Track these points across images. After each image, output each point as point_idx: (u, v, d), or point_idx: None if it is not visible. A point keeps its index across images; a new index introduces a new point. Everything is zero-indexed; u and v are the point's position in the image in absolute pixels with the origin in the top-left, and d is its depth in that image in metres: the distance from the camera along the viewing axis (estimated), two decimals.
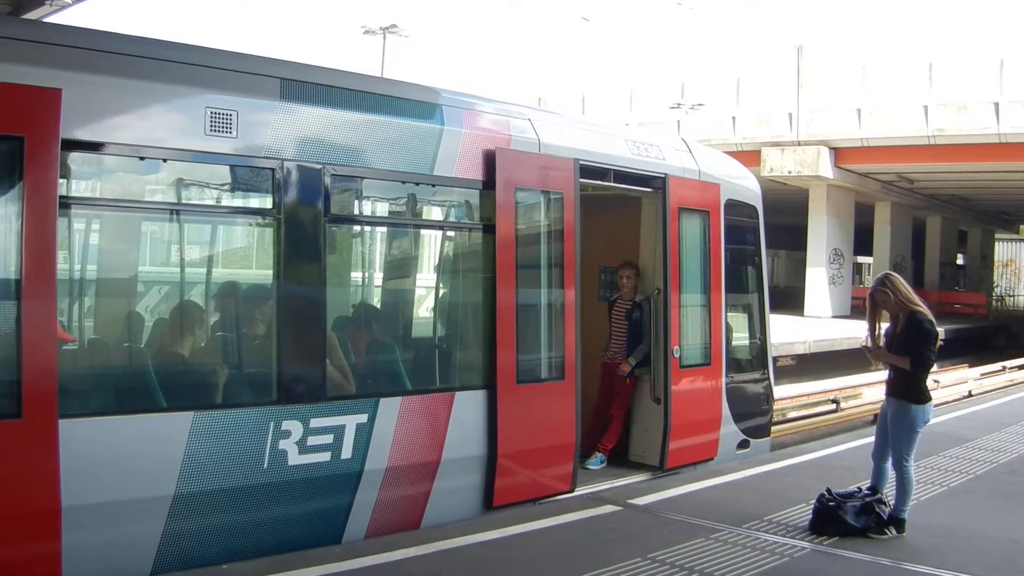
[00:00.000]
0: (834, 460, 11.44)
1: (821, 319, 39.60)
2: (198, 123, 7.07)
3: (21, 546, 6.11)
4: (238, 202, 8.30)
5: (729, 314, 11.46)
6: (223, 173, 7.57)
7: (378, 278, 9.96)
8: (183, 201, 7.62)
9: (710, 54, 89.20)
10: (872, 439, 8.90)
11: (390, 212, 9.56)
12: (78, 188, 7.09)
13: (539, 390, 9.24)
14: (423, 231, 10.00)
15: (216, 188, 7.81)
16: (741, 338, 12.05)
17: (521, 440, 8.91)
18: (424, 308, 10.06)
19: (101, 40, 6.93)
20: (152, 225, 8.11)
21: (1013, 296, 67.07)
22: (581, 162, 9.61)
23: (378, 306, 9.99)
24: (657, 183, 10.57)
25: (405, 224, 9.63)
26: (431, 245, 9.96)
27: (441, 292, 9.64)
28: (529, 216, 9.51)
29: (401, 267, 9.97)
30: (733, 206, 11.52)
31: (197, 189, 7.76)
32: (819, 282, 42.62)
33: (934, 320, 8.34)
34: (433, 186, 8.75)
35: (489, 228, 8.89)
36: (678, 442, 10.54)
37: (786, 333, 28.26)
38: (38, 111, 6.27)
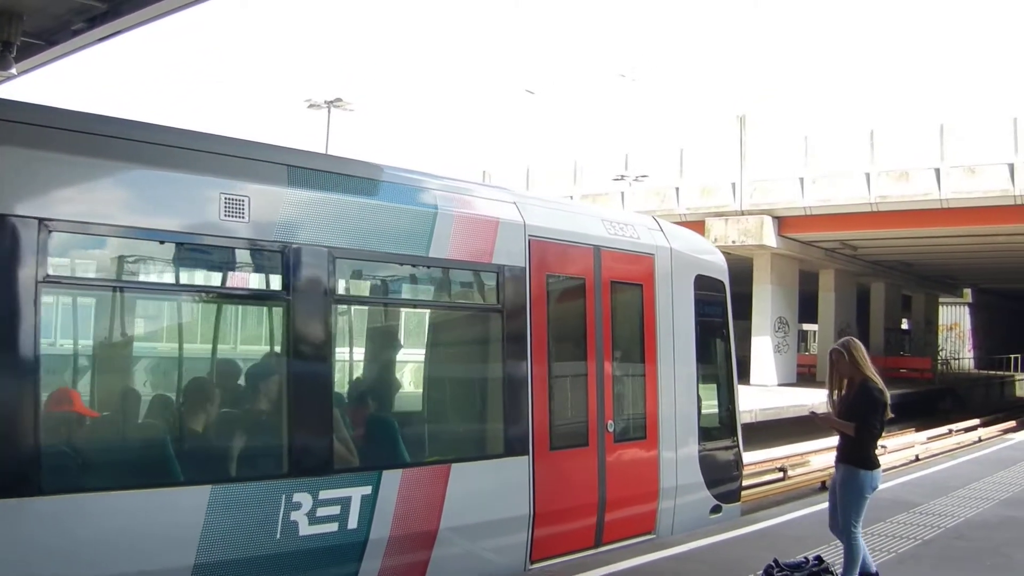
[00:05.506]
0: (782, 529, 11.35)
1: (767, 387, 39.58)
2: (214, 207, 7.30)
3: None
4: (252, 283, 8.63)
5: (700, 385, 11.76)
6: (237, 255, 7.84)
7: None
8: (195, 282, 8.16)
9: (653, 125, 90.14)
10: (821, 507, 8.82)
11: (389, 291, 9.92)
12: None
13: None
14: (420, 309, 10.58)
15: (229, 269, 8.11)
16: (711, 407, 12.38)
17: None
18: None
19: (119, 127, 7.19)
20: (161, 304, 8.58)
21: (958, 359, 68.09)
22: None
23: None
24: None
25: (404, 303, 10.32)
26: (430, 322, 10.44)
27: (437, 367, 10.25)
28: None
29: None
30: (702, 280, 11.94)
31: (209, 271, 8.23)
32: (764, 350, 42.71)
33: (885, 391, 8.35)
34: (428, 267, 9.19)
35: (490, 309, 9.41)
36: (613, 515, 10.21)
37: None
38: None
